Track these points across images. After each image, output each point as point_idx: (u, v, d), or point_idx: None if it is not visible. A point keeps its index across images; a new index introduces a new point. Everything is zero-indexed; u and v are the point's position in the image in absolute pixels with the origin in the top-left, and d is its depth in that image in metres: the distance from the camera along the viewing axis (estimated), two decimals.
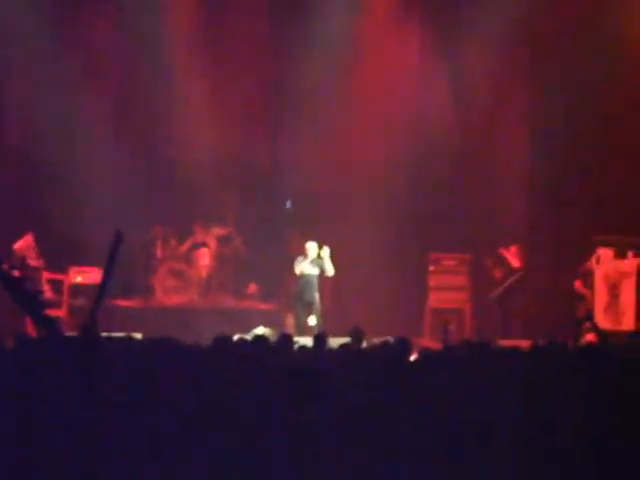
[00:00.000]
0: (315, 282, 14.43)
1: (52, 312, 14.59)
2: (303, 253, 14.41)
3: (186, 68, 15.97)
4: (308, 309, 14.50)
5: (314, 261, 14.37)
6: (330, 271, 14.30)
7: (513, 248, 15.82)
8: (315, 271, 14.38)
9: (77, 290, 15.46)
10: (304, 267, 14.36)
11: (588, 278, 14.77)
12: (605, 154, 15.72)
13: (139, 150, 16.04)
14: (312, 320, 14.27)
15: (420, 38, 16.57)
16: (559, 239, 15.95)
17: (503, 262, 15.87)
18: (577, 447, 6.21)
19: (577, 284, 14.95)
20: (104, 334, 11.75)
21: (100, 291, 2.01)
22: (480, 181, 16.23)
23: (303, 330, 13.99)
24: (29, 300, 1.83)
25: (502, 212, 15.91)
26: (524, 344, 11.62)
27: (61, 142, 15.57)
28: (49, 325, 1.84)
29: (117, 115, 16.09)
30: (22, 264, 14.94)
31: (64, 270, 15.57)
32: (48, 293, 15.39)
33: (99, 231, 13.89)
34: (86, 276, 15.62)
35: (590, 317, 12.17)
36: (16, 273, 11.49)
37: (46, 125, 15.51)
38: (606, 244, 15.07)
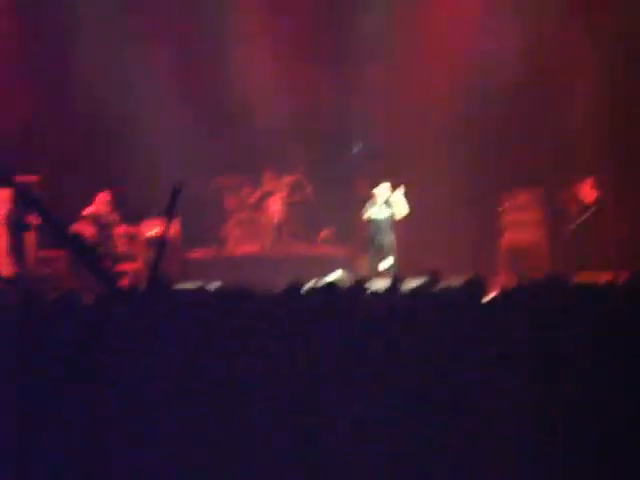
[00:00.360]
0: (386, 226, 14.43)
1: (128, 265, 14.89)
2: (372, 198, 14.42)
3: (251, 21, 15.94)
4: (380, 253, 14.52)
5: (383, 205, 14.35)
6: (400, 213, 14.28)
7: (588, 181, 15.58)
8: (384, 214, 14.36)
9: (152, 243, 15.57)
10: (372, 212, 14.39)
11: None
12: None
13: (207, 102, 16.15)
14: (384, 264, 14.30)
15: None
16: (633, 171, 15.63)
17: (578, 195, 15.66)
18: None
19: None
20: (178, 285, 11.87)
21: (161, 241, 1.91)
22: (552, 116, 16.01)
23: (377, 274, 14.03)
24: (88, 255, 1.75)
25: (577, 146, 15.62)
26: (602, 277, 11.34)
27: (132, 99, 15.68)
28: (107, 280, 1.76)
29: (185, 71, 16.17)
30: (97, 222, 15.21)
31: (138, 223, 15.70)
32: (123, 247, 15.59)
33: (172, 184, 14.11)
34: (160, 228, 15.74)
35: None
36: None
37: (119, 83, 15.71)
38: None
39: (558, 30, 15.64)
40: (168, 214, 1.95)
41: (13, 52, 16.30)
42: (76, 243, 1.81)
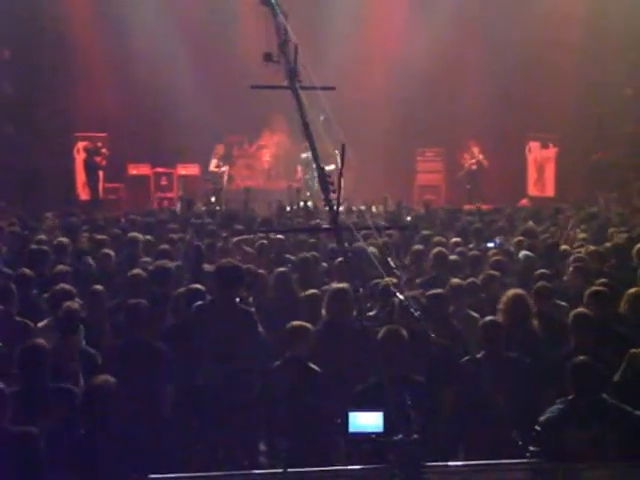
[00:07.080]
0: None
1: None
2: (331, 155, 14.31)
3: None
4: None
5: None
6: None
7: (473, 145, 15.64)
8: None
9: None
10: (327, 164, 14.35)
11: None
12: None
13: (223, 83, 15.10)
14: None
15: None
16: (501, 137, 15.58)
17: (466, 154, 15.78)
18: None
19: None
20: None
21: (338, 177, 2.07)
22: (453, 98, 15.39)
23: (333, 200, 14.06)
24: None
25: (467, 120, 15.22)
26: (485, 207, 11.79)
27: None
28: None
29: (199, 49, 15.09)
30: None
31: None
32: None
33: (198, 138, 14.35)
34: (189, 169, 15.81)
35: None
36: None
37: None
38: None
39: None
40: (341, 164, 2.09)
41: None
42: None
